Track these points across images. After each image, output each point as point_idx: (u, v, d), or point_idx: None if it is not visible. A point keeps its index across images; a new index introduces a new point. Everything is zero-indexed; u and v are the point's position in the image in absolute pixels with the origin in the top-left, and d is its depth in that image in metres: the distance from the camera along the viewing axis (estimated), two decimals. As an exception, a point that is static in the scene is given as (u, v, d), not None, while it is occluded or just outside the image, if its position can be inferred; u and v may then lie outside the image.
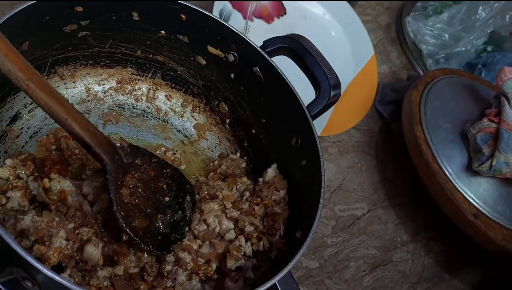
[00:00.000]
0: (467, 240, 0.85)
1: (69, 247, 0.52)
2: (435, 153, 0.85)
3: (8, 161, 0.60)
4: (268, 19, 1.01)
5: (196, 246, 0.60)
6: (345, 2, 1.07)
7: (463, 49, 1.07)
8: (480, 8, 1.07)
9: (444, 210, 0.85)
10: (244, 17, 0.97)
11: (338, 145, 0.96)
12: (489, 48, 1.12)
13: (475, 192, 0.82)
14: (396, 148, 0.98)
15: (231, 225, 0.63)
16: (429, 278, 0.88)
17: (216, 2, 0.94)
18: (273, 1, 1.03)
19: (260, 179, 0.70)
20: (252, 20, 0.99)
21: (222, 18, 0.93)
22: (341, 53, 1.03)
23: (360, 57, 1.04)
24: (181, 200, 0.62)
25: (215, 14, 0.92)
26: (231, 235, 0.62)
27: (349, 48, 1.05)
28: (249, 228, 0.63)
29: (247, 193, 0.68)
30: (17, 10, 0.55)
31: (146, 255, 0.56)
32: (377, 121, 1.02)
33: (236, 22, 0.95)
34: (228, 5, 0.95)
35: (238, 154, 0.76)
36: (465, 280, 0.90)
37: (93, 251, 0.53)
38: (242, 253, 0.61)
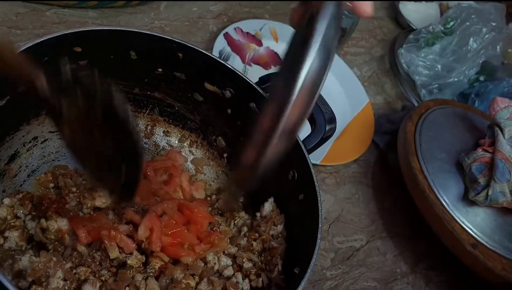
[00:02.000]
0: (467, 270, 0.85)
1: (66, 287, 0.52)
2: (431, 184, 0.85)
3: (6, 201, 0.60)
4: (266, 66, 1.03)
5: (194, 283, 0.59)
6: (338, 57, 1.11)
7: (456, 79, 1.09)
8: (471, 39, 1.10)
9: (442, 240, 0.85)
10: (243, 61, 0.99)
11: (335, 176, 0.96)
12: (482, 78, 1.14)
13: (473, 222, 0.83)
14: (392, 178, 0.99)
15: (229, 262, 0.63)
16: (430, 310, 0.87)
17: (216, 42, 0.96)
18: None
19: (258, 214, 0.70)
20: (250, 65, 1.01)
21: (221, 58, 0.94)
22: (339, 101, 1.06)
23: (356, 103, 1.07)
24: None
25: (215, 53, 0.94)
26: (229, 271, 0.62)
27: (345, 97, 1.08)
28: (247, 265, 0.63)
29: (245, 228, 0.68)
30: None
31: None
32: (373, 151, 1.03)
33: (234, 64, 0.97)
34: (228, 47, 0.98)
35: (236, 188, 0.77)
36: (466, 311, 0.90)
37: (91, 291, 0.53)
38: (240, 290, 0.60)
